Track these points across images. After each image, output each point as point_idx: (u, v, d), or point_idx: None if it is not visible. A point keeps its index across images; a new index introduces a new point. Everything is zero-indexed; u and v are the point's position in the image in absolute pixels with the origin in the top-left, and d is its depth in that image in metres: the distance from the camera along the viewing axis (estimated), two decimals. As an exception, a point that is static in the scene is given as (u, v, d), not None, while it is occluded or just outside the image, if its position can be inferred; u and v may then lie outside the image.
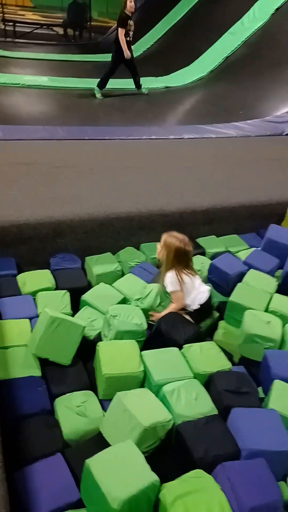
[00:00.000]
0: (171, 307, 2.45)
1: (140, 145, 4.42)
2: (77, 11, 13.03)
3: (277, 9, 7.21)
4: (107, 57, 9.81)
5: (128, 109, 6.07)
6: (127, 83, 7.36)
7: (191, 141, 4.72)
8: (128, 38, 6.24)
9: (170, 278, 2.40)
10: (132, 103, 6.41)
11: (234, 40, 7.39)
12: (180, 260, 2.39)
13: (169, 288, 2.42)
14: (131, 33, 6.29)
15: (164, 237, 2.44)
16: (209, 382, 2.04)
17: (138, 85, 6.82)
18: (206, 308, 2.51)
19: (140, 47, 10.06)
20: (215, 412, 1.87)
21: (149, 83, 7.40)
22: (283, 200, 3.56)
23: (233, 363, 2.35)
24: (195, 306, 2.46)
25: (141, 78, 7.63)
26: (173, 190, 3.47)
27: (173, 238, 2.40)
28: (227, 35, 7.51)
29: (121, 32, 6.14)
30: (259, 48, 6.97)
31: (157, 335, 2.30)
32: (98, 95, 6.55)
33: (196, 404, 1.88)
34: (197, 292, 2.46)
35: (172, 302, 2.46)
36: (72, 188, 3.30)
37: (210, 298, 2.53)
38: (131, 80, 7.57)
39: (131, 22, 6.24)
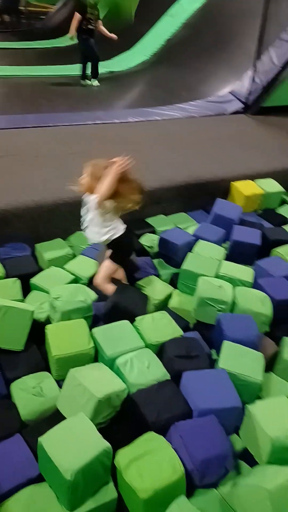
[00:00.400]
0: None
1: (84, 130, 4.38)
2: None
3: (213, -10, 7.32)
4: (46, 44, 9.60)
5: (71, 94, 5.98)
6: (70, 69, 7.24)
7: (136, 124, 4.74)
8: (90, 26, 6.28)
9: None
10: (74, 88, 6.32)
11: (174, 22, 7.42)
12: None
13: (96, 198, 2.34)
14: (93, 21, 6.31)
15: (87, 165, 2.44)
16: (161, 350, 2.12)
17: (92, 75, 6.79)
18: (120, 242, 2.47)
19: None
20: (168, 377, 1.95)
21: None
22: (227, 177, 3.68)
23: (189, 329, 2.46)
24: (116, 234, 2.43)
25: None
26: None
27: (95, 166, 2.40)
28: (166, 17, 7.53)
29: (74, 17, 6.21)
30: (199, 29, 7.04)
31: (115, 312, 2.30)
32: (95, 83, 6.63)
33: (148, 372, 1.95)
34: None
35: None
36: (16, 177, 3.24)
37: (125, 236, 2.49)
38: (73, 66, 7.46)
39: (93, 11, 6.27)
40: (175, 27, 7.37)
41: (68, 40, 9.76)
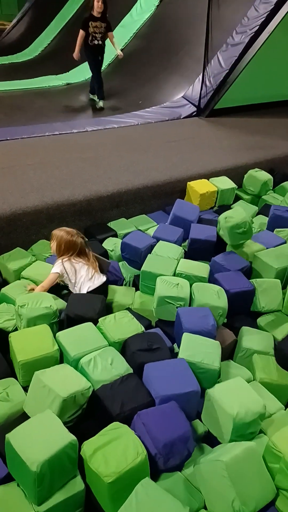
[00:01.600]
0: (40, 285, 2.58)
1: (42, 141, 4.44)
2: None
3: (160, 1, 7.54)
4: (3, 60, 9.59)
5: (28, 107, 6.01)
6: (26, 83, 7.29)
7: (94, 133, 4.83)
8: (96, 42, 5.57)
9: (56, 263, 2.64)
10: (32, 101, 6.35)
11: (126, 32, 7.59)
12: (68, 249, 2.64)
13: (52, 270, 2.62)
14: (97, 35, 5.55)
15: (53, 231, 2.72)
16: (124, 347, 2.19)
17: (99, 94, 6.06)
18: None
19: (37, 47, 9.94)
20: (130, 371, 2.03)
21: (49, 81, 7.38)
22: (182, 177, 3.82)
23: (152, 327, 2.54)
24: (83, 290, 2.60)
25: (42, 78, 7.58)
26: (78, 180, 3.56)
27: (61, 231, 2.68)
28: (119, 29, 7.68)
29: (79, 35, 5.55)
30: (149, 39, 7.24)
31: (69, 320, 2.36)
32: (101, 103, 5.92)
33: (111, 368, 2.02)
34: (88, 280, 2.61)
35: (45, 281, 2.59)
36: (-26, 191, 3.27)
37: (103, 285, 2.65)
38: (31, 80, 7.50)
39: (97, 24, 5.51)
40: (127, 38, 7.54)
41: (25, 55, 9.91)
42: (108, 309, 2.61)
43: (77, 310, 2.34)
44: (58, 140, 4.58)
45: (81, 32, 5.53)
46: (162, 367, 2.00)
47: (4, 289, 2.63)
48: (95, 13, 5.46)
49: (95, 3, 5.39)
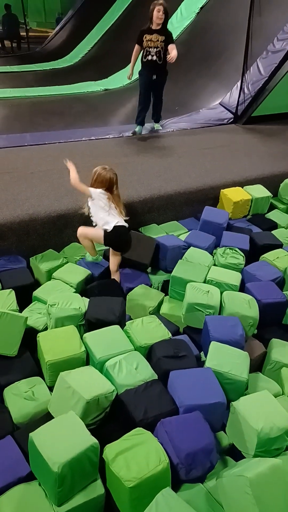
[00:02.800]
0: (77, 180, 2.78)
1: (79, 146, 4.52)
2: (11, 22, 12.96)
3: (201, 8, 7.55)
4: (45, 66, 9.91)
5: (67, 112, 6.15)
6: (66, 89, 7.47)
7: (129, 139, 4.88)
8: (150, 58, 4.56)
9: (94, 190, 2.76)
10: (70, 106, 6.50)
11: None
12: (101, 182, 2.76)
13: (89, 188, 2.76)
14: (153, 50, 4.53)
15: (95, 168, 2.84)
16: (150, 352, 2.18)
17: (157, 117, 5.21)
18: (123, 230, 2.79)
19: (78, 54, 10.19)
20: (155, 377, 2.01)
21: (87, 87, 7.53)
22: (215, 185, 3.78)
23: (179, 334, 2.52)
24: (110, 226, 2.75)
25: (81, 84, 7.75)
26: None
27: (98, 167, 2.83)
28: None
29: (134, 50, 4.66)
30: (188, 45, 7.24)
31: (90, 324, 2.36)
32: (138, 128, 4.97)
33: (136, 373, 2.01)
34: (114, 215, 2.77)
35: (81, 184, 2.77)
36: (12, 192, 3.36)
37: (125, 231, 2.81)
38: (70, 86, 7.68)
39: (152, 37, 4.50)
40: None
41: (65, 61, 10.19)
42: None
43: (97, 314, 2.35)
44: (94, 145, 4.65)
45: (136, 47, 4.62)
46: (187, 375, 1.97)
47: (35, 292, 2.70)
48: (153, 25, 4.47)
49: (155, 12, 4.41)
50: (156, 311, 2.70)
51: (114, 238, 2.78)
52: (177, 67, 7.07)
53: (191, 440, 1.68)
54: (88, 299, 2.52)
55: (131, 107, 6.63)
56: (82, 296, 2.54)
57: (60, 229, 3.24)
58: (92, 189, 2.75)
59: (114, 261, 2.90)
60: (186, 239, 3.18)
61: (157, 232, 3.43)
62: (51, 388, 2.06)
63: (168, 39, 4.56)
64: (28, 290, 2.75)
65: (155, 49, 4.54)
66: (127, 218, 2.86)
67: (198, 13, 7.56)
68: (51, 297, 2.41)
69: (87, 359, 2.17)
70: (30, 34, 14.07)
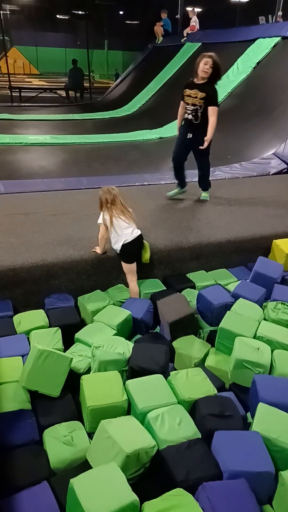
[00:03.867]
0: (98, 247, 3.26)
1: (132, 191, 4.68)
2: (76, 75, 14.14)
3: (257, 63, 7.83)
4: (104, 115, 10.60)
5: (122, 158, 6.45)
6: (123, 136, 7.88)
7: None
8: (186, 115, 3.98)
9: (100, 216, 3.18)
10: (126, 153, 6.81)
11: (221, 92, 7.93)
12: (105, 202, 3.13)
13: (98, 222, 3.19)
14: (190, 107, 3.92)
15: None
16: (194, 407, 2.09)
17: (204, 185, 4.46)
18: (131, 247, 3.13)
19: (135, 104, 10.83)
20: (198, 436, 1.92)
21: (143, 135, 7.89)
22: (267, 235, 3.72)
23: (225, 389, 2.41)
24: (118, 246, 3.10)
25: (137, 132, 8.15)
26: (160, 230, 3.66)
27: (100, 190, 3.21)
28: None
29: (180, 106, 4.06)
30: (243, 98, 7.47)
31: (133, 372, 2.32)
32: (170, 192, 4.48)
33: (179, 429, 1.93)
34: (121, 233, 3.10)
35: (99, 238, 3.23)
36: (66, 233, 3.50)
37: (138, 241, 3.16)
38: (127, 133, 8.08)
39: (192, 93, 3.89)
40: (222, 97, 7.86)
41: (124, 111, 10.84)
42: (172, 353, 2.59)
43: (140, 362, 2.31)
44: (147, 190, 4.80)
45: (181, 104, 4.04)
46: (233, 437, 1.86)
47: (78, 334, 2.72)
48: (197, 78, 3.89)
49: (201, 64, 3.80)
50: (201, 363, 2.61)
51: (125, 254, 3.15)
52: (230, 118, 7.30)
53: (235, 510, 1.55)
54: (133, 344, 2.50)
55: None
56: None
57: (108, 271, 3.30)
58: (100, 226, 3.16)
59: (130, 277, 3.18)
60: (235, 290, 3.10)
61: (205, 279, 3.39)
62: (89, 434, 2.02)
63: (209, 98, 3.84)
64: (74, 329, 2.79)
65: (192, 106, 3.91)
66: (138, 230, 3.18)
67: (254, 68, 7.84)
68: (96, 339, 2.41)
69: (128, 407, 2.12)
70: (94, 85, 15.30)
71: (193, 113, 3.95)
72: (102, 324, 2.80)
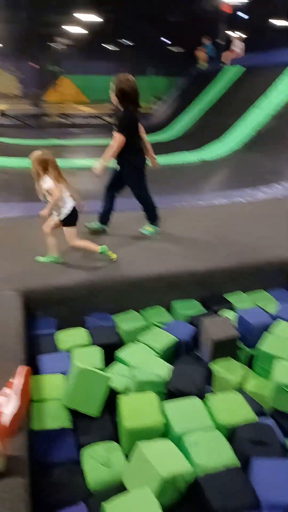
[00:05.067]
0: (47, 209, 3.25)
1: (171, 211, 4.74)
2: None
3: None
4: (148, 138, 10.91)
5: (163, 180, 6.54)
6: (165, 159, 8.02)
7: (221, 206, 4.99)
8: None
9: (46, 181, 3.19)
10: (167, 174, 6.91)
11: (262, 113, 7.94)
12: (43, 166, 3.19)
13: (48, 186, 3.19)
14: None
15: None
16: (232, 433, 2.04)
17: None
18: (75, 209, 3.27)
19: (177, 127, 11.07)
20: (236, 463, 1.87)
21: (184, 157, 8.01)
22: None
23: (265, 415, 2.33)
24: (67, 209, 3.22)
25: (178, 153, 8.24)
26: (201, 251, 3.67)
27: (34, 153, 3.24)
28: (254, 109, 8.10)
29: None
30: (286, 119, 7.43)
31: (170, 394, 2.32)
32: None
33: (217, 455, 1.89)
34: (66, 197, 3.22)
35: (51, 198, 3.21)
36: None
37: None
38: (169, 155, 8.21)
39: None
40: (265, 118, 7.85)
41: (165, 133, 11.09)
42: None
43: (178, 384, 2.29)
44: (186, 211, 4.84)
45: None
46: (274, 467, 1.79)
47: (118, 353, 2.74)
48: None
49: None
50: (239, 387, 2.55)
51: (75, 217, 3.30)
52: (272, 138, 7.26)
53: None
54: (173, 366, 2.49)
55: (224, 176, 6.86)
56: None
57: (148, 292, 3.33)
58: (49, 186, 3.17)
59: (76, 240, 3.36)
60: (278, 313, 3.03)
61: (243, 300, 3.33)
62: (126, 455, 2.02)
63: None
64: (114, 349, 2.81)
65: None
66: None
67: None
68: (136, 359, 2.43)
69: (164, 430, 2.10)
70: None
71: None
72: (145, 345, 2.82)
